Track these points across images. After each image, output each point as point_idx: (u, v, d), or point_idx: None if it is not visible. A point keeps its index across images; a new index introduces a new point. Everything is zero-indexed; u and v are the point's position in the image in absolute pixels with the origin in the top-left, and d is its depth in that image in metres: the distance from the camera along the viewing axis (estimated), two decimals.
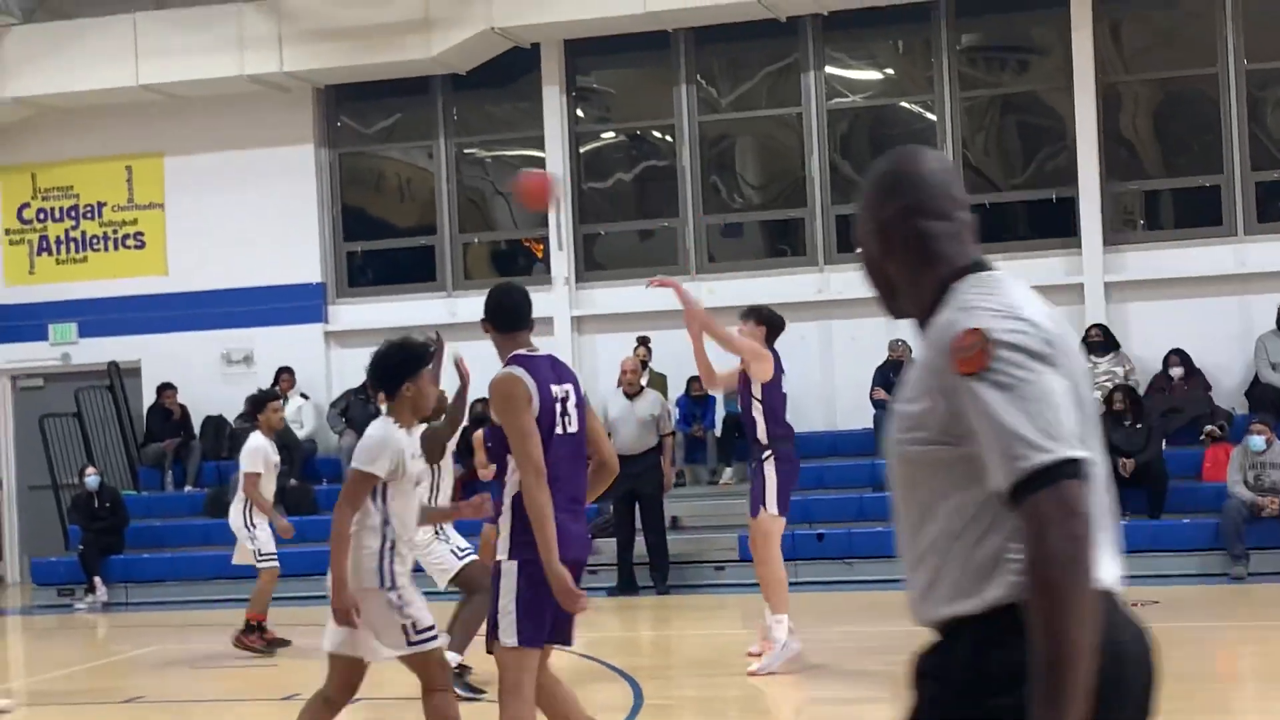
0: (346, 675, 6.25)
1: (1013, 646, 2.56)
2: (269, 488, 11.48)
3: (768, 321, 9.77)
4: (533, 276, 17.79)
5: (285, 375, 17.19)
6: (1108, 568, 2.67)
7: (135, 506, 16.63)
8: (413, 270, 18.03)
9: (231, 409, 17.59)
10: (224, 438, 17.54)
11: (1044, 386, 2.58)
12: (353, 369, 16.79)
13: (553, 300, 16.76)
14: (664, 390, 15.84)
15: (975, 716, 2.62)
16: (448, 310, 17.38)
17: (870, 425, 15.46)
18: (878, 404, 15.24)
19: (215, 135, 18.01)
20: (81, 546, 15.87)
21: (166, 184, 18.28)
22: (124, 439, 17.79)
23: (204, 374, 17.80)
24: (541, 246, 17.78)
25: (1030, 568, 2.51)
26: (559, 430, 5.72)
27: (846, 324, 16.11)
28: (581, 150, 17.72)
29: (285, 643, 11.55)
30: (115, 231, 18.47)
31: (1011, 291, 2.72)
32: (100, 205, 18.47)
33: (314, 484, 16.65)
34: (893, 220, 2.81)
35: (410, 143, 18.34)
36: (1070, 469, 2.53)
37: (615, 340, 16.62)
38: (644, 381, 15.08)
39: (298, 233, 17.88)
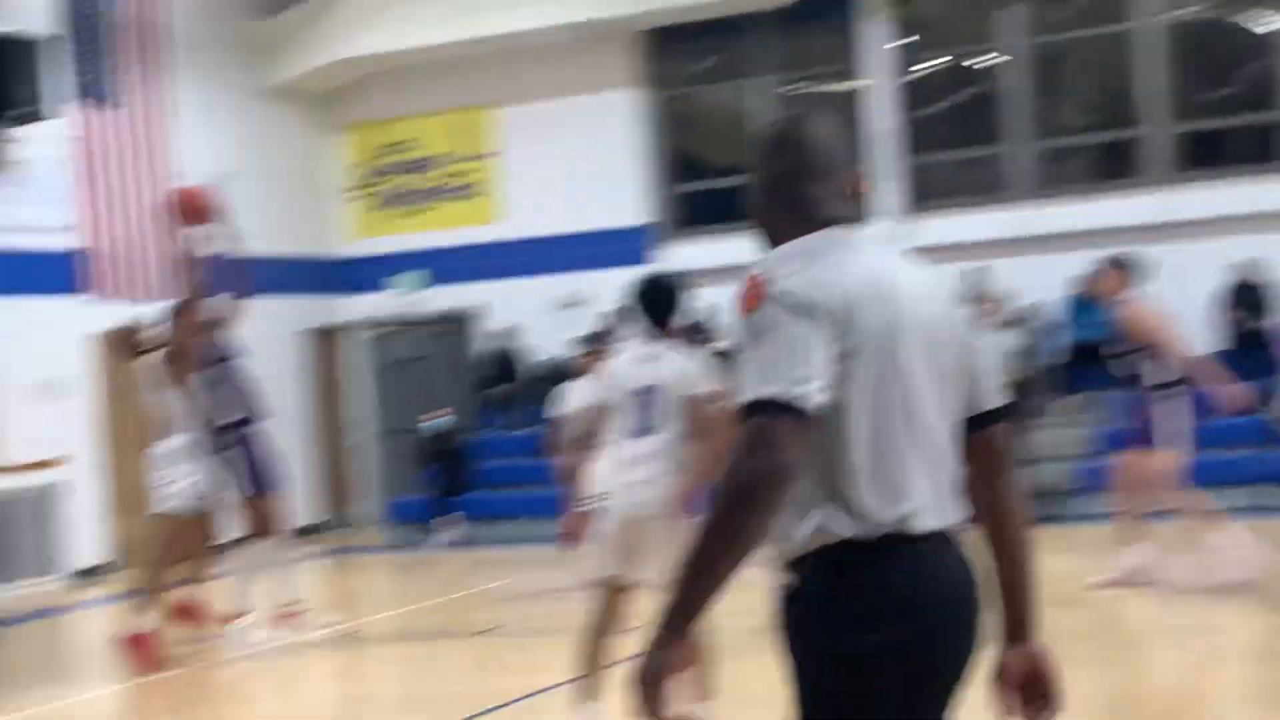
0: None
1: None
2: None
3: (1129, 267, 10.10)
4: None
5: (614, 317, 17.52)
6: (923, 513, 2.83)
7: (480, 448, 17.24)
8: (743, 210, 18.06)
9: (567, 352, 18.09)
10: (560, 380, 17.98)
11: (788, 335, 2.75)
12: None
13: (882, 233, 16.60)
14: None
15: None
16: None
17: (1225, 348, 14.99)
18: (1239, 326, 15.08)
19: (545, 83, 18.43)
20: (433, 486, 16.54)
21: (503, 133, 18.81)
22: (468, 382, 18.43)
23: (540, 318, 18.30)
24: (868, 182, 17.64)
25: (719, 482, 2.73)
26: None
27: (1189, 246, 15.56)
28: (906, 79, 17.49)
29: None
30: (455, 182, 19.11)
31: (827, 250, 2.91)
32: (440, 157, 19.13)
33: None
34: (776, 179, 3.06)
35: (734, 81, 18.42)
36: (772, 409, 2.70)
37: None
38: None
39: (626, 176, 18.18)
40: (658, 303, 6.96)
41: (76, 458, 15.27)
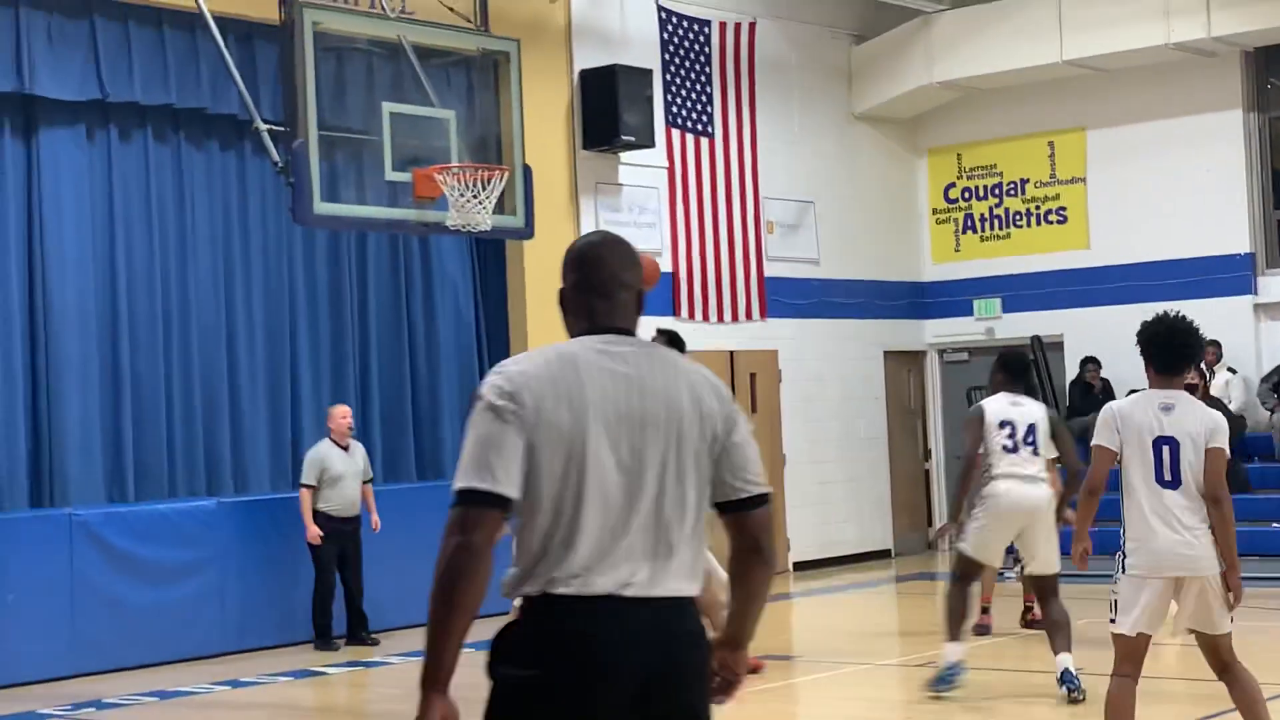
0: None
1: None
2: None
3: None
4: None
5: (1210, 348, 16.73)
6: (597, 577, 3.36)
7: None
8: None
9: None
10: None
11: (482, 432, 3.35)
12: None
13: None
14: None
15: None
16: None
17: None
18: None
19: (1137, 106, 17.85)
20: None
21: (1088, 158, 18.34)
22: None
23: (1127, 348, 17.65)
24: None
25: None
26: None
27: None
28: None
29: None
30: (1037, 208, 18.77)
31: (535, 355, 3.48)
32: (1023, 182, 18.84)
33: (1244, 461, 16.10)
34: (566, 288, 3.62)
35: None
36: (465, 497, 3.34)
37: None
38: None
39: (1223, 202, 17.35)
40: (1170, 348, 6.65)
41: None
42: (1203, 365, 16.36)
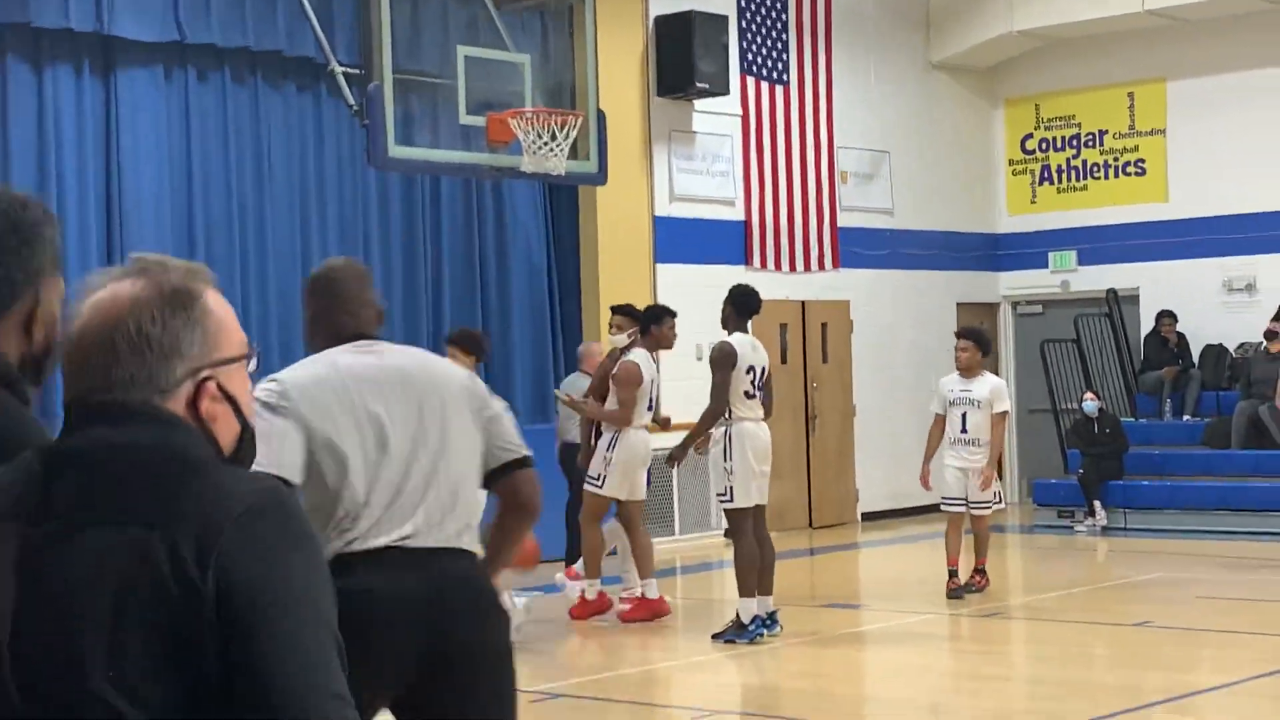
0: None
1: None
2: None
3: None
4: None
5: None
6: (382, 534, 3.88)
7: (1133, 433, 16.71)
8: None
9: (1232, 338, 17.27)
10: (1223, 367, 17.23)
11: (264, 429, 3.49)
12: None
13: None
14: None
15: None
16: None
17: None
18: None
19: (1219, 57, 17.60)
20: (1080, 470, 16.17)
21: (1169, 109, 18.11)
22: (1121, 366, 17.90)
23: (1204, 302, 17.53)
24: None
25: None
26: None
27: None
28: None
29: None
30: (1116, 159, 18.57)
31: (305, 364, 4.08)
32: (1101, 133, 18.63)
33: None
34: (315, 311, 4.21)
35: None
36: None
37: None
38: None
39: None
40: None
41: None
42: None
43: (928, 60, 18.54)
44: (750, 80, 16.59)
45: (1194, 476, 16.04)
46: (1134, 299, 18.14)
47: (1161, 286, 17.79)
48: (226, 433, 2.08)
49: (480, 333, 11.19)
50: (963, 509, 11.68)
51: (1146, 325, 17.85)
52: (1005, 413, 11.82)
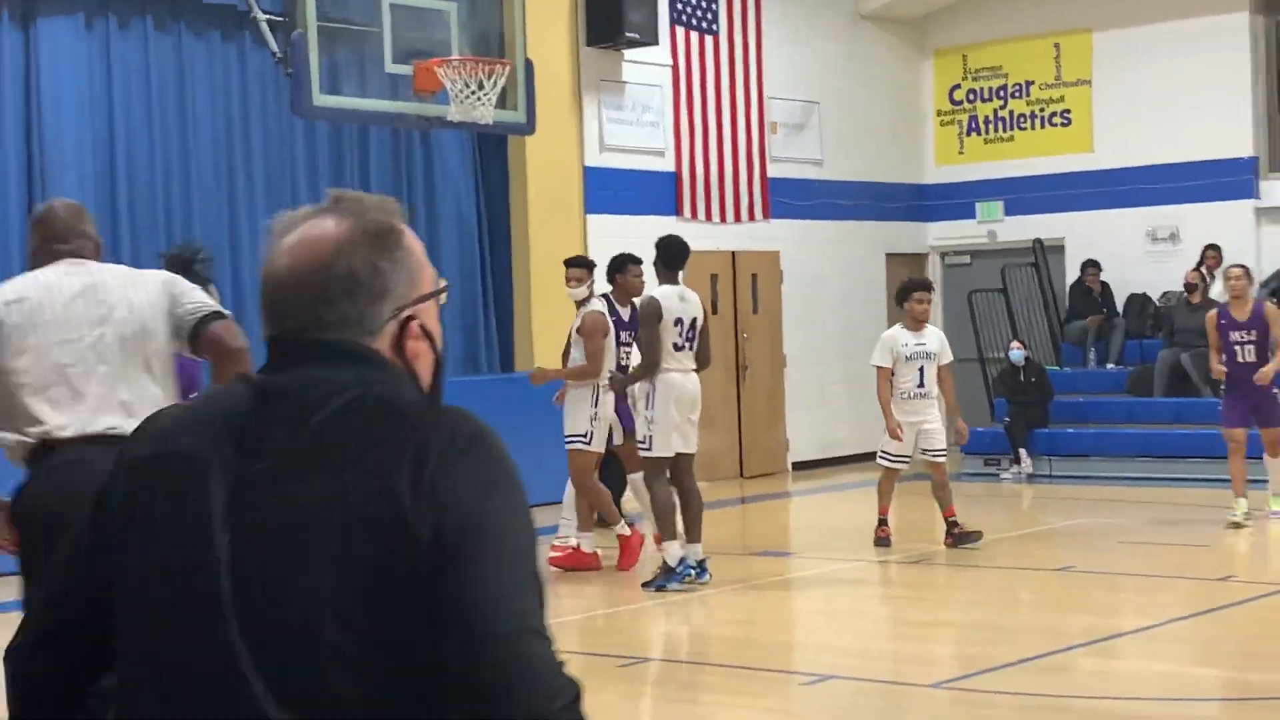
0: None
1: None
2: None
3: None
4: None
5: (1211, 252, 16.75)
6: (61, 430, 4.72)
7: (1058, 382, 16.89)
8: None
9: (1155, 287, 17.47)
10: (1147, 315, 17.43)
11: None
12: None
13: None
14: None
15: None
16: None
17: None
18: None
19: (1143, 8, 17.73)
20: (1006, 418, 16.34)
21: (1094, 60, 18.23)
22: (1047, 315, 18.07)
23: (1128, 252, 17.71)
24: None
25: None
26: None
27: None
28: None
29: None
30: (1042, 110, 18.69)
31: (13, 280, 4.98)
32: (1028, 84, 18.74)
33: None
34: (34, 244, 5.08)
35: None
36: None
37: None
38: None
39: (1227, 105, 17.27)
40: None
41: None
42: (1203, 269, 16.42)
43: (857, 11, 18.56)
44: (680, 30, 16.55)
45: (1118, 424, 16.24)
46: (1060, 249, 18.31)
47: (1086, 236, 17.96)
48: (425, 369, 2.11)
49: None
50: (904, 465, 11.63)
51: (1072, 275, 18.02)
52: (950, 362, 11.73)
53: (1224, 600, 9.42)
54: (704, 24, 16.81)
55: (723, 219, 16.94)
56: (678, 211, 16.37)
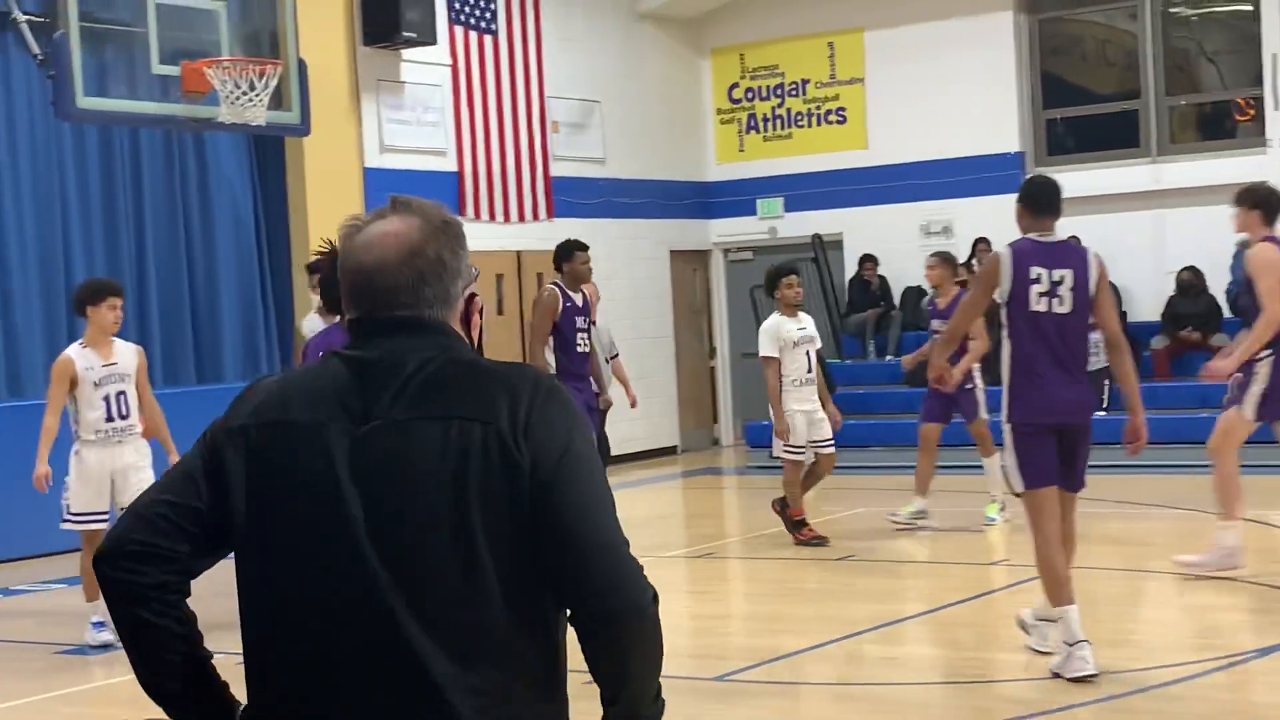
0: None
1: None
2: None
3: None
4: (1240, 139, 16.96)
5: (982, 246, 17.20)
6: None
7: (840, 374, 17.20)
8: (1114, 136, 17.55)
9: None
10: (923, 308, 17.84)
11: None
12: None
13: (1266, 164, 15.83)
14: None
15: None
16: (1151, 177, 16.83)
17: None
18: None
19: (913, 7, 18.15)
20: None
21: (866, 59, 18.61)
22: (827, 309, 18.40)
23: (904, 246, 18.11)
24: (1253, 109, 16.85)
25: None
26: (1038, 307, 6.98)
27: None
28: None
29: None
30: (818, 108, 19.02)
31: None
32: (804, 82, 19.06)
33: None
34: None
35: (1112, 4, 17.77)
36: None
37: None
38: None
39: (995, 102, 17.78)
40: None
41: None
42: (973, 261, 16.86)
43: (635, 10, 18.67)
44: (459, 30, 16.47)
45: (897, 414, 16.59)
46: (839, 244, 18.65)
47: (864, 231, 18.33)
48: (477, 336, 2.54)
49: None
50: (804, 456, 11.18)
51: (851, 269, 18.37)
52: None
53: (998, 584, 9.70)
54: (482, 23, 16.75)
55: (506, 218, 16.90)
56: (461, 212, 16.28)
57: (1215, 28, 18.06)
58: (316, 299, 10.78)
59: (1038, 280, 7.00)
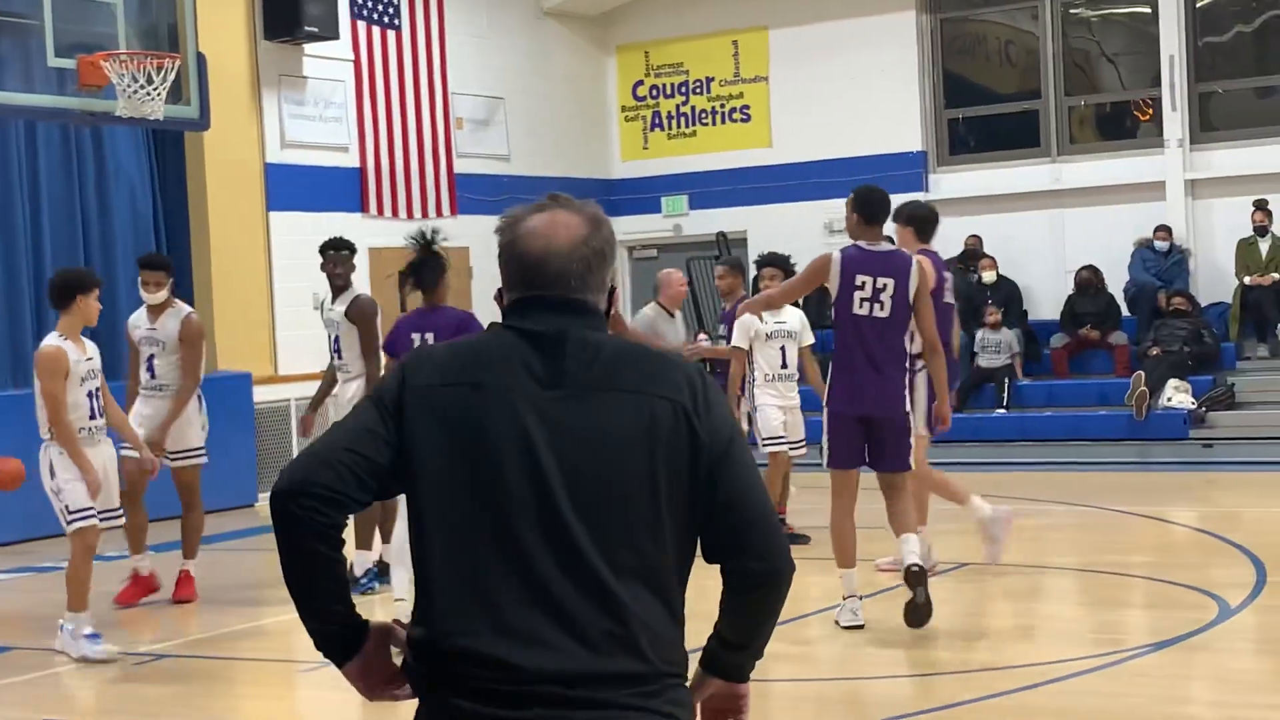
0: None
1: None
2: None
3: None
4: (1139, 139, 17.20)
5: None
6: None
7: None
8: (1015, 136, 17.73)
9: None
10: (826, 305, 17.91)
11: None
12: (953, 237, 16.72)
13: (1164, 164, 16.08)
14: None
15: None
16: (1051, 177, 17.01)
17: None
18: None
19: (816, 6, 18.24)
20: None
21: (770, 57, 18.68)
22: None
23: (808, 243, 18.13)
24: (1151, 109, 17.10)
25: None
26: (860, 311, 7.69)
27: None
28: (1198, 4, 16.80)
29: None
30: (722, 106, 19.07)
31: None
32: (708, 80, 19.09)
33: None
34: None
35: (1013, 5, 17.95)
36: None
37: (1232, 204, 15.81)
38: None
39: (898, 101, 17.90)
40: None
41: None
42: None
43: (540, 6, 18.62)
44: (361, 24, 16.34)
45: (805, 412, 16.61)
46: (743, 241, 18.69)
47: (768, 229, 18.36)
48: (618, 325, 2.91)
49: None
50: (785, 448, 10.95)
51: (754, 267, 18.39)
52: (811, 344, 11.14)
53: (899, 579, 9.72)
54: (385, 18, 16.63)
55: (409, 215, 16.79)
56: (363, 208, 16.17)
57: (1115, 29, 18.30)
58: (322, 294, 10.45)
59: (861, 287, 7.63)
